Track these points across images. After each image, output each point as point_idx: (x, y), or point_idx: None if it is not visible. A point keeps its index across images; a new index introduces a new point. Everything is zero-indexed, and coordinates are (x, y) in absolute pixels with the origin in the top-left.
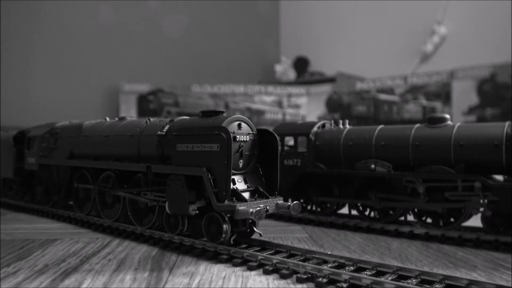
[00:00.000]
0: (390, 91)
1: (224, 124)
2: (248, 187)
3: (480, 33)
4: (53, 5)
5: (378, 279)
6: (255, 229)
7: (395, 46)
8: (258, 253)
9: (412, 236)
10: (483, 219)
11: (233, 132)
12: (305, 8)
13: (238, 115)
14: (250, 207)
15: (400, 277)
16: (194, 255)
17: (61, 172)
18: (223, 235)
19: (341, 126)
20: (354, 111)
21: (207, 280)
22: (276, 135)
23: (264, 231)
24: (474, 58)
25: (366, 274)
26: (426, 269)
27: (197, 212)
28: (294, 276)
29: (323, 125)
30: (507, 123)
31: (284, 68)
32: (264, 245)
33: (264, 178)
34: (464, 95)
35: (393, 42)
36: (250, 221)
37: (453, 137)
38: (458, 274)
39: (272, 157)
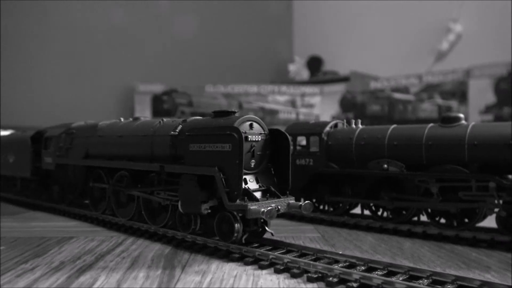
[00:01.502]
0: (405, 90)
1: (236, 124)
2: (260, 186)
3: (497, 31)
4: (68, 7)
5: (389, 279)
6: (266, 228)
7: (410, 44)
8: (269, 252)
9: (425, 237)
10: (498, 219)
11: (245, 132)
12: (319, 7)
13: (250, 115)
14: (261, 206)
15: (412, 278)
16: (206, 254)
17: (77, 172)
18: (235, 234)
19: (353, 125)
20: (368, 111)
21: (218, 279)
22: (287, 135)
23: (276, 230)
24: (491, 56)
25: (377, 274)
26: (438, 269)
27: (209, 211)
28: (305, 275)
29: (336, 125)
30: None
31: (298, 68)
32: (275, 245)
33: (275, 178)
34: (481, 93)
35: (407, 40)
36: (262, 220)
37: (467, 137)
38: (471, 275)
39: (283, 157)
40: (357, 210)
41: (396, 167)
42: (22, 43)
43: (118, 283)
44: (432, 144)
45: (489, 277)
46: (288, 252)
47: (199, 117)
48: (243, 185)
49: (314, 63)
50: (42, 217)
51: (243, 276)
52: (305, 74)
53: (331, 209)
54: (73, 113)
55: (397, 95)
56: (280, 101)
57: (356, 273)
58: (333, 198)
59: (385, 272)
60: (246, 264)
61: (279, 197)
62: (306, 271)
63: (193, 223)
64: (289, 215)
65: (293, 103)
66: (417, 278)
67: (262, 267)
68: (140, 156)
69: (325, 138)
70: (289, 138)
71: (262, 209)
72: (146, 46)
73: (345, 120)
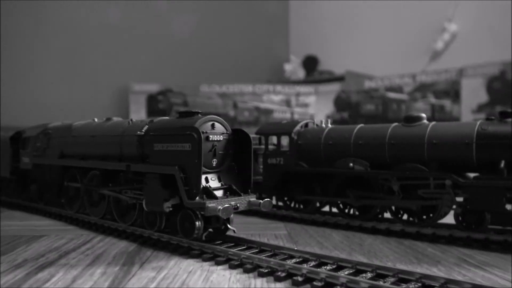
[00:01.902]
0: (399, 89)
1: (196, 125)
2: (222, 185)
3: (491, 30)
4: (63, 6)
5: (334, 273)
6: (229, 226)
7: (405, 44)
8: (229, 249)
9: (388, 233)
10: (455, 216)
11: (206, 132)
12: (315, 7)
13: (212, 116)
14: (219, 204)
15: (358, 272)
16: (168, 251)
17: (53, 171)
18: (196, 231)
19: (323, 125)
20: (363, 110)
21: (172, 274)
22: (249, 135)
23: (246, 228)
24: (484, 55)
25: (325, 269)
26: (389, 264)
27: (171, 209)
28: (257, 270)
29: (306, 125)
30: (478, 122)
31: (294, 67)
32: (237, 242)
33: (239, 177)
34: (474, 93)
35: (402, 40)
36: (224, 218)
37: (427, 136)
38: (418, 270)
39: (246, 156)
40: (329, 208)
41: (361, 166)
42: (16, 42)
43: (73, 279)
44: (395, 143)
45: (435, 270)
46: (248, 248)
47: (165, 118)
48: (204, 184)
49: (310, 63)
50: (19, 216)
51: (198, 272)
52: (301, 74)
53: (302, 206)
54: (67, 113)
55: (391, 95)
56: (275, 101)
57: (304, 268)
58: (303, 197)
59: (334, 267)
60: (204, 260)
61: (239, 195)
62: (259, 267)
63: (158, 221)
64: (262, 213)
65: (288, 103)
66: (363, 272)
67: (218, 263)
68: (111, 155)
69: (295, 137)
70: (252, 137)
71: (219, 207)
72: (141, 46)
73: (315, 120)
